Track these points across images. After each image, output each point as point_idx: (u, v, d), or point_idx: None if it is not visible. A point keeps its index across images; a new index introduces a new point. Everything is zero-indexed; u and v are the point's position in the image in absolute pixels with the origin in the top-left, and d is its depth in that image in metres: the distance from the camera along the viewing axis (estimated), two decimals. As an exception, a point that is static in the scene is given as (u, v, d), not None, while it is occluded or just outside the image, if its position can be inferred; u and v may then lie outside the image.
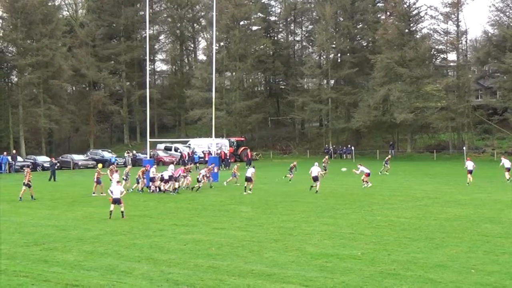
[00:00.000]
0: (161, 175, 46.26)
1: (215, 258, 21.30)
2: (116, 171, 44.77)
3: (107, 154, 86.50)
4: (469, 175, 50.98)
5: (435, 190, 45.38)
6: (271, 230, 27.15)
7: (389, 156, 66.95)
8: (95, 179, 45.30)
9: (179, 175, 46.90)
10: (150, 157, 59.98)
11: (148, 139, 56.57)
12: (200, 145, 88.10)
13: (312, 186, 45.20)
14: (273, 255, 21.73)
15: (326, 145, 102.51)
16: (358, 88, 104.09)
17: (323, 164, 61.12)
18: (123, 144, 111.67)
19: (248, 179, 45.15)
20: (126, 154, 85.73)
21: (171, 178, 45.41)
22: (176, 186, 45.45)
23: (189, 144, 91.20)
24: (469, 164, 51.84)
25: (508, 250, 22.05)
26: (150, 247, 23.65)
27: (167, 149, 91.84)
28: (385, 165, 62.39)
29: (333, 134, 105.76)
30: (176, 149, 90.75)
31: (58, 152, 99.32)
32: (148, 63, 69.56)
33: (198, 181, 46.66)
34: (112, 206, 31.63)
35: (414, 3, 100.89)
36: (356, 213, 32.76)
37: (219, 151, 78.39)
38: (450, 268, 19.33)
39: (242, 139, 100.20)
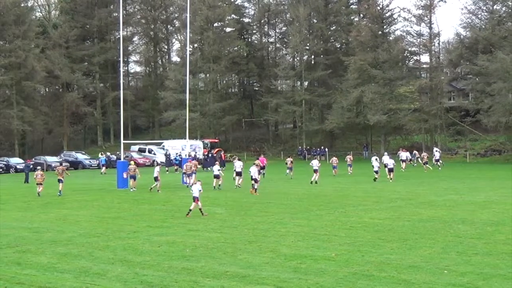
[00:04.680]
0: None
1: (189, 260, 21.26)
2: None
3: (80, 156, 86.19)
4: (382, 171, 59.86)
5: (409, 191, 45.46)
6: (245, 232, 27.14)
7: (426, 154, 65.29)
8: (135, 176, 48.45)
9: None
10: (124, 159, 59.86)
11: (122, 141, 56.36)
12: (174, 146, 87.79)
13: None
14: (248, 256, 21.72)
15: (300, 147, 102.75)
16: (332, 89, 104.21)
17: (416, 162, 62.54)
18: (97, 146, 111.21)
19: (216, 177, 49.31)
20: (100, 156, 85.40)
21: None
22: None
23: (163, 146, 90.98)
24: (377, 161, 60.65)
25: (480, 251, 22.11)
26: (124, 249, 23.56)
27: (141, 150, 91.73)
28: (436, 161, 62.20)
29: (307, 135, 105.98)
30: (150, 151, 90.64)
31: (31, 153, 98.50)
32: (121, 64, 69.21)
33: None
34: (192, 205, 32.48)
35: (387, 5, 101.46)
36: (330, 214, 32.77)
37: (193, 153, 78.26)
38: (423, 269, 19.38)
39: (216, 140, 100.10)
